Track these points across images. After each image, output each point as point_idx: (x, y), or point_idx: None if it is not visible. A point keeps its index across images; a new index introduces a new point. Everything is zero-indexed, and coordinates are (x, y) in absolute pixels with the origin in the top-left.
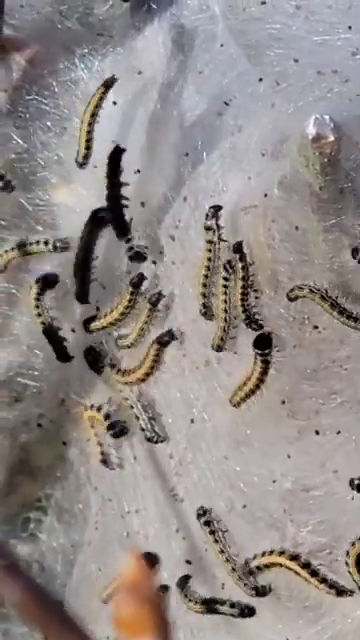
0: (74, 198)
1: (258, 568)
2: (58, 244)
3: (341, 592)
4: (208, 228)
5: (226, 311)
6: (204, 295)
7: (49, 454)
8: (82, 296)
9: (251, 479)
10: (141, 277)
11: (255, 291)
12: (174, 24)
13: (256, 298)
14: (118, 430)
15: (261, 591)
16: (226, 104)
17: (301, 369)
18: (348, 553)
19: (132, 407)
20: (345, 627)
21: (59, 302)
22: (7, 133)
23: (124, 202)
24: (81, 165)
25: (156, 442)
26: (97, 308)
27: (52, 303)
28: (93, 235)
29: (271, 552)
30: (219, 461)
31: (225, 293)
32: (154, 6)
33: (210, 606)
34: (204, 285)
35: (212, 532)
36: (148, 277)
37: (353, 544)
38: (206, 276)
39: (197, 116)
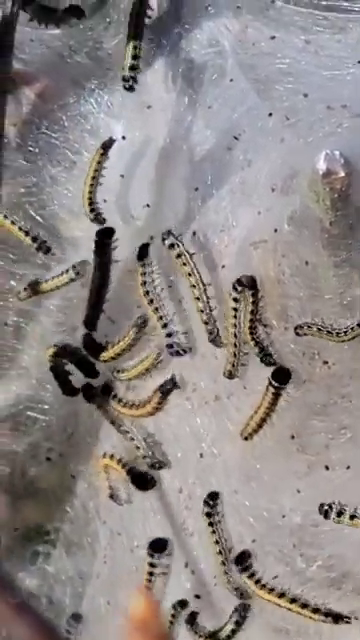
0: (84, 232)
1: None
2: (78, 268)
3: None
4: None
5: (236, 336)
6: (206, 322)
7: (57, 487)
8: (90, 322)
9: (260, 513)
10: (145, 320)
11: (265, 326)
12: (184, 58)
13: (267, 334)
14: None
15: (245, 596)
16: (236, 139)
17: (311, 404)
18: None
19: (132, 439)
20: None
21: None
22: (17, 167)
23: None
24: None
25: (159, 468)
26: (106, 342)
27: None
28: (105, 258)
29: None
30: (228, 495)
31: (235, 317)
32: (164, 41)
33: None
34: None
35: (211, 524)
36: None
37: None
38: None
39: (206, 151)
